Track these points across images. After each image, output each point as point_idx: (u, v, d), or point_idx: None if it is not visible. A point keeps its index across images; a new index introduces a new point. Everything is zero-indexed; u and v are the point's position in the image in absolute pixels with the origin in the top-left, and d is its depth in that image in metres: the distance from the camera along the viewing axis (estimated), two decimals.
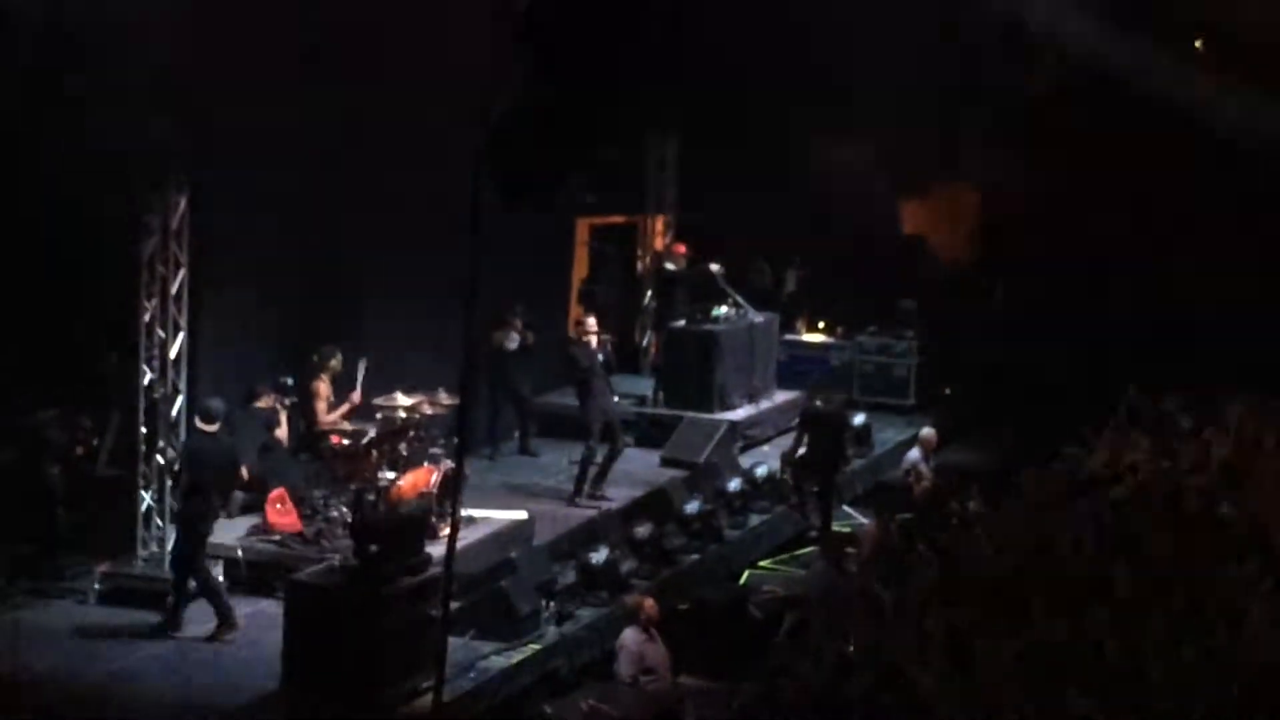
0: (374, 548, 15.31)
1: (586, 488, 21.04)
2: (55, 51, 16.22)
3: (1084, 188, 28.39)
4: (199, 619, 16.93)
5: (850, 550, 18.93)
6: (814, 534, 21.45)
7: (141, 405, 17.42)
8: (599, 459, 21.19)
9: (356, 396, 19.11)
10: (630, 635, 15.94)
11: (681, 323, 25.11)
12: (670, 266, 25.74)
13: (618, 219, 27.71)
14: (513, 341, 22.59)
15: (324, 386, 19.14)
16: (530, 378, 23.20)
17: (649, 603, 16.22)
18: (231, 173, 17.67)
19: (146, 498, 17.51)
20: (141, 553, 17.56)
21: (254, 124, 17.68)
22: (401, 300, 20.55)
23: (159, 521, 17.53)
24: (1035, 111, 28.48)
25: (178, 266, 17.35)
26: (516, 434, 23.26)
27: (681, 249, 25.67)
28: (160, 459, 17.46)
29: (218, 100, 17.19)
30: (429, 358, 19.46)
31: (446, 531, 16.80)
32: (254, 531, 18.06)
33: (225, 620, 16.48)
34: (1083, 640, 14.63)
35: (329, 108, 18.74)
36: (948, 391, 27.13)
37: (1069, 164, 28.69)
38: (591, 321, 21.89)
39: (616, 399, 22.34)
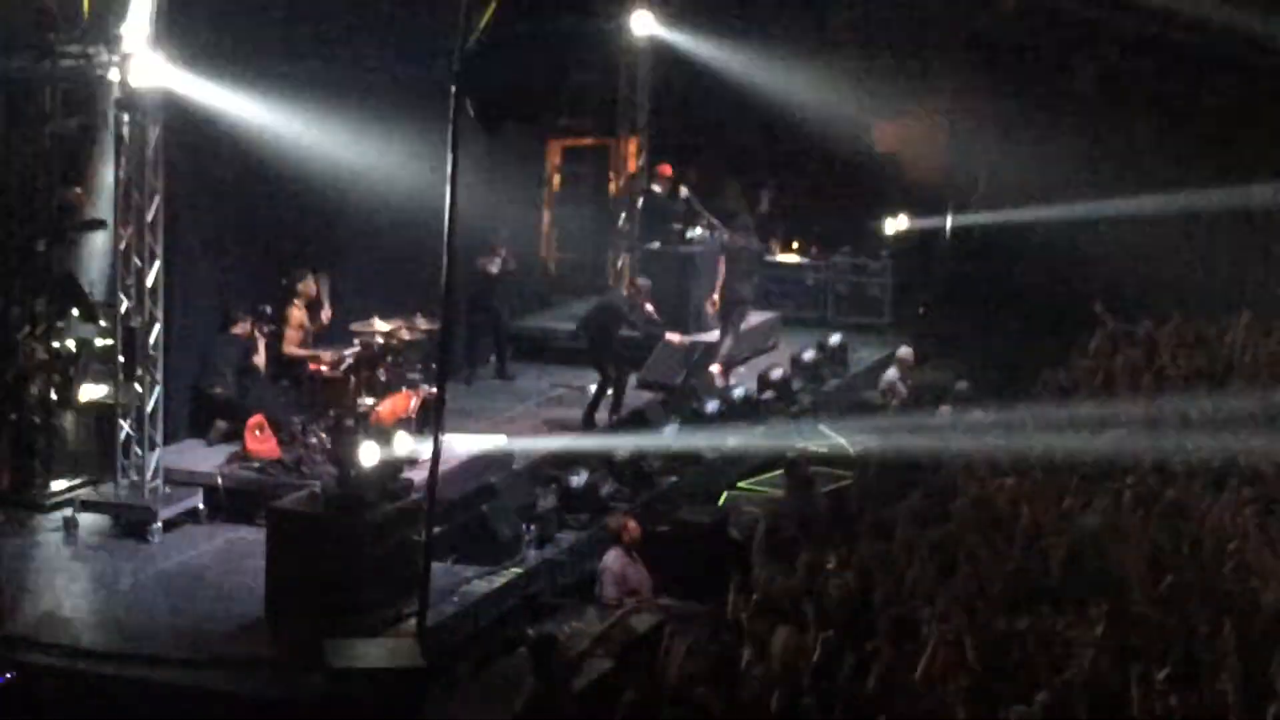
0: (354, 473, 15.32)
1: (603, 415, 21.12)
2: None
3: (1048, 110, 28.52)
4: (182, 546, 16.95)
5: (821, 470, 19.03)
6: (790, 454, 21.51)
7: (119, 333, 17.33)
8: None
9: (325, 315, 19.10)
10: (613, 557, 16.01)
11: (656, 244, 25.06)
12: (655, 188, 25.61)
13: (589, 141, 27.58)
14: (495, 265, 22.57)
15: (297, 312, 19.13)
16: (509, 302, 23.18)
17: (631, 524, 16.28)
18: (206, 99, 17.54)
19: (125, 426, 17.44)
20: (121, 481, 17.49)
21: (228, 50, 17.57)
22: (377, 225, 20.50)
23: (138, 450, 17.46)
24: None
25: (153, 195, 17.24)
26: (493, 358, 23.23)
27: (667, 170, 25.53)
28: (138, 387, 17.39)
29: (194, 28, 17.09)
30: (405, 283, 19.44)
31: (427, 457, 16.84)
32: (233, 459, 18.05)
33: None
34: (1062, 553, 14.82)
35: (304, 32, 18.62)
36: (922, 310, 27.14)
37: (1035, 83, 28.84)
38: (644, 283, 22.07)
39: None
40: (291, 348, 18.99)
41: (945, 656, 12.51)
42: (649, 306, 21.89)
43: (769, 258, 27.62)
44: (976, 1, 28.65)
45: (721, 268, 24.10)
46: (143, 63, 16.62)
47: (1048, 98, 29.11)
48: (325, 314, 19.20)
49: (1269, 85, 27.57)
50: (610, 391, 21.17)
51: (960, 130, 29.43)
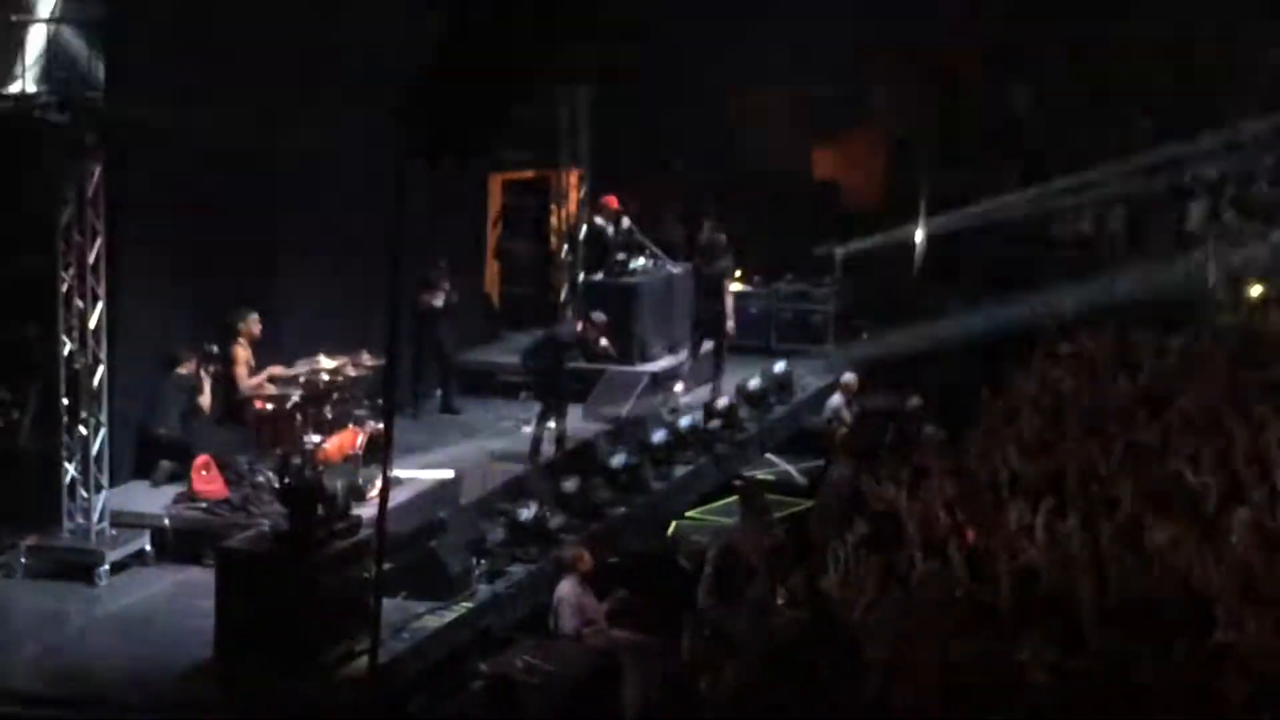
0: (302, 512, 15.26)
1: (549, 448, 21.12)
2: None
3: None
4: (129, 588, 16.86)
5: (771, 498, 19.07)
6: (737, 482, 21.53)
7: (62, 376, 17.22)
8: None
9: (277, 370, 19.02)
10: (569, 588, 15.99)
11: (599, 276, 25.09)
12: (599, 220, 25.61)
13: (529, 174, 27.59)
14: (439, 299, 22.55)
15: (242, 351, 19.05)
16: (454, 336, 23.16)
17: (585, 555, 16.28)
18: (146, 139, 17.49)
19: (70, 469, 17.33)
20: (67, 525, 17.38)
21: (168, 89, 17.51)
22: (319, 262, 20.45)
23: (83, 493, 17.36)
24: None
25: (95, 235, 17.14)
26: (439, 392, 23.19)
27: (612, 201, 25.53)
28: (83, 430, 17.29)
29: (136, 68, 17.04)
30: (349, 319, 19.42)
31: (374, 493, 16.82)
32: (180, 499, 17.95)
33: None
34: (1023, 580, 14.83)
35: (243, 72, 18.57)
36: (865, 335, 27.20)
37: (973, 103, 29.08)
38: (599, 318, 22.07)
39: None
40: (244, 385, 18.89)
41: (898, 685, 12.52)
42: (604, 341, 21.87)
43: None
44: (914, 25, 28.75)
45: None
46: (83, 103, 16.56)
47: (987, 118, 29.37)
48: (276, 369, 19.08)
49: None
50: (552, 423, 21.13)
51: (899, 152, 29.62)
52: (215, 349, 18.91)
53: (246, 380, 18.91)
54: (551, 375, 21.28)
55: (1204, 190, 26.49)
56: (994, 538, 15.72)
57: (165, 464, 18.48)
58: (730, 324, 24.03)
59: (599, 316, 22.12)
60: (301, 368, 18.70)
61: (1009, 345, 24.03)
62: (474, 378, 23.98)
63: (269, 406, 18.38)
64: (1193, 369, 21.10)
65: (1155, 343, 22.69)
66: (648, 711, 12.70)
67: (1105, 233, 26.95)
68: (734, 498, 20.83)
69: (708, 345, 24.53)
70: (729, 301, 24.27)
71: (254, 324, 19.16)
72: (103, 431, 17.42)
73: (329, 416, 18.52)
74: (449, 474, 19.13)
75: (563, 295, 26.63)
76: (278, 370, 18.93)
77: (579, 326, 21.89)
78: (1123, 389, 20.52)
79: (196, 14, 17.90)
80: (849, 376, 22.83)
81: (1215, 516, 15.63)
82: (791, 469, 22.00)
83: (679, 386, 23.75)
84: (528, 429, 21.41)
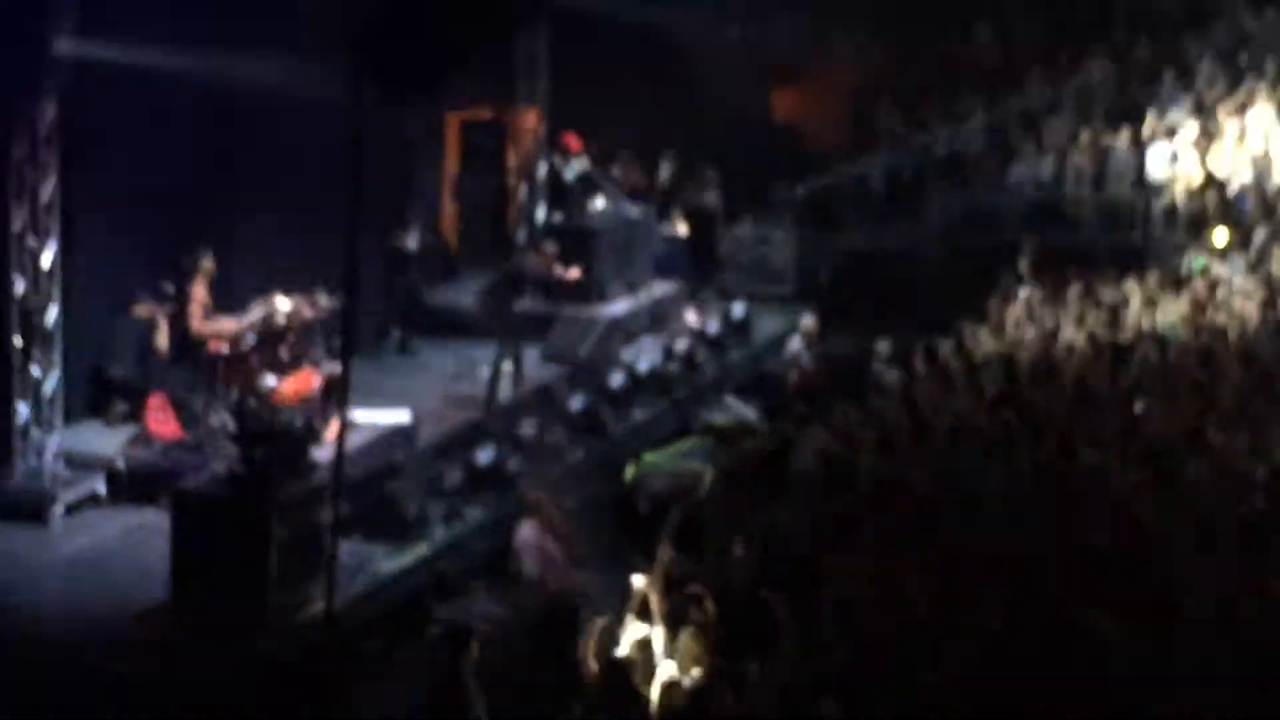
0: (259, 454, 15.16)
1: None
2: None
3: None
4: (84, 529, 16.73)
5: (746, 442, 19.01)
6: (697, 427, 21.50)
7: (15, 316, 17.06)
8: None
9: (229, 323, 18.84)
10: (529, 531, 15.90)
11: (558, 216, 24.95)
12: (557, 159, 25.45)
13: (487, 113, 27.40)
14: (412, 241, 22.43)
15: (199, 290, 18.86)
16: (424, 277, 23.05)
17: (544, 496, 16.21)
18: (100, 76, 17.29)
19: (23, 409, 17.18)
20: (20, 465, 17.24)
21: (123, 27, 17.30)
22: (277, 202, 20.26)
23: (36, 433, 17.22)
24: None
25: (47, 173, 16.96)
26: (397, 333, 23.03)
27: (573, 142, 25.36)
28: (36, 370, 17.14)
29: (90, 6, 16.83)
30: (307, 259, 19.23)
31: (331, 436, 16.70)
32: (135, 440, 17.84)
33: None
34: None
35: (201, 11, 18.36)
36: (825, 279, 27.08)
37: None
38: (552, 249, 22.20)
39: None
40: (198, 324, 18.71)
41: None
42: (564, 270, 21.80)
43: (670, 230, 27.57)
44: None
45: None
46: (38, 39, 16.37)
47: (948, 61, 29.24)
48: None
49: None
50: (509, 365, 21.03)
51: (860, 95, 29.48)
52: (172, 289, 18.72)
53: (200, 321, 18.74)
54: (507, 314, 21.17)
55: (1164, 136, 26.40)
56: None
57: (120, 404, 18.35)
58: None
59: (550, 247, 22.00)
60: (257, 309, 18.53)
61: (968, 287, 24.03)
62: (431, 319, 23.80)
63: (225, 348, 18.22)
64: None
65: (1115, 287, 22.66)
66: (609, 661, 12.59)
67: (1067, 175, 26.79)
68: (692, 441, 20.82)
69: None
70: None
71: (209, 264, 18.97)
72: (56, 372, 17.31)
73: (285, 358, 18.38)
74: (406, 417, 18.99)
75: (520, 235, 26.45)
76: (229, 324, 18.70)
77: (538, 259, 21.79)
78: (1082, 336, 20.50)
79: None
80: (808, 320, 22.74)
81: (1175, 465, 15.64)
82: (749, 412, 21.89)
83: (691, 315, 23.69)
84: (484, 371, 21.28)
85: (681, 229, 27.78)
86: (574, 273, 22.13)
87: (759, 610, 12.82)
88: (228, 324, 18.59)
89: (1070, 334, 20.64)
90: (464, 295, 24.07)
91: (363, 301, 21.70)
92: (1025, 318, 21.86)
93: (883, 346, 21.48)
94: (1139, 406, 17.43)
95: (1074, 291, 22.17)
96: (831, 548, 14.41)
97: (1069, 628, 12.04)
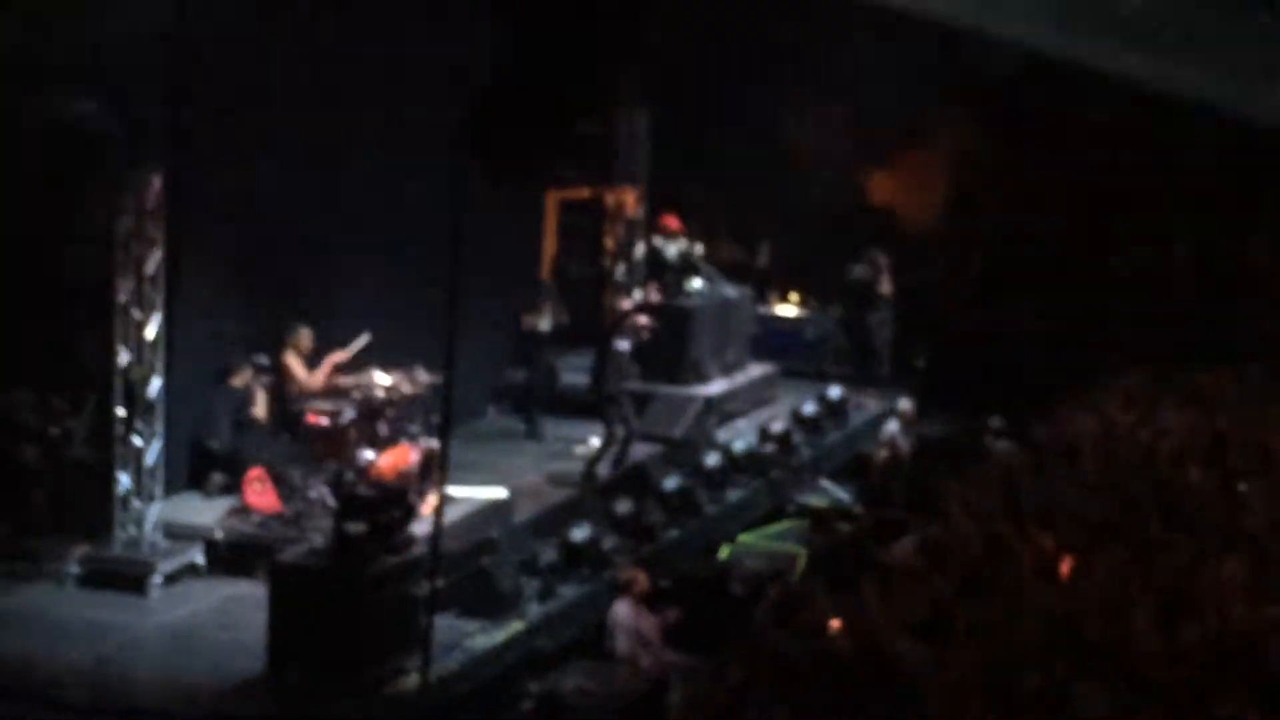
0: (356, 528, 15.22)
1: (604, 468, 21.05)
2: (34, 27, 16.05)
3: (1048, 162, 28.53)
4: (182, 600, 16.83)
5: (841, 525, 19.02)
6: (791, 509, 21.48)
7: (118, 387, 17.23)
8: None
9: (341, 355, 18.97)
10: (624, 609, 15.91)
11: (655, 297, 24.98)
12: (657, 240, 25.48)
13: (585, 193, 27.53)
14: (545, 322, 22.52)
15: (293, 359, 19.01)
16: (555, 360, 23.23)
17: (641, 576, 16.21)
18: (207, 151, 17.52)
19: (124, 479, 17.34)
20: (120, 535, 17.38)
21: (230, 103, 17.53)
22: (377, 277, 20.38)
23: (137, 504, 17.37)
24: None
25: (153, 246, 17.17)
26: (527, 416, 23.05)
27: (673, 222, 25.40)
28: (138, 440, 17.30)
29: (197, 80, 17.04)
30: (405, 335, 19.34)
31: (427, 510, 16.78)
32: (233, 512, 17.94)
33: None
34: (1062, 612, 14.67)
35: (306, 89, 18.58)
36: (921, 363, 27.03)
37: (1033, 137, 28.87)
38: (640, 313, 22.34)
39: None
40: (303, 382, 18.82)
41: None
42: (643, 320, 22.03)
43: (766, 310, 27.63)
44: (973, 50, 28.55)
45: None
46: (144, 115, 16.59)
47: (1044, 146, 29.15)
48: (341, 354, 19.07)
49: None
50: (617, 445, 21.07)
51: (958, 178, 29.45)
52: (267, 361, 18.87)
53: (305, 377, 18.85)
54: (619, 395, 21.19)
55: None
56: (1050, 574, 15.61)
57: (218, 476, 18.48)
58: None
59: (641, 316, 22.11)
60: (357, 382, 18.68)
61: (1064, 375, 23.90)
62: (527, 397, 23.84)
63: (323, 420, 18.33)
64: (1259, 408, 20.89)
65: (1219, 379, 22.48)
66: None
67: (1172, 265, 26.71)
68: (787, 523, 20.80)
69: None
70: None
71: (305, 339, 19.14)
72: (157, 442, 17.45)
73: (384, 433, 18.47)
74: (502, 493, 19.05)
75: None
76: (340, 356, 18.88)
77: (626, 325, 21.81)
78: (1182, 427, 20.34)
79: (259, 28, 17.87)
80: (905, 403, 22.70)
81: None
82: (844, 495, 21.87)
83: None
84: (581, 449, 21.35)
85: (784, 310, 27.87)
86: (644, 319, 22.06)
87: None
88: (338, 355, 18.75)
89: (1170, 419, 20.49)
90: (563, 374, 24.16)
91: (462, 378, 21.89)
92: (1126, 402, 21.71)
93: (995, 421, 21.50)
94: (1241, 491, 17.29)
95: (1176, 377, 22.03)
96: (926, 637, 14.36)
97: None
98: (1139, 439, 19.79)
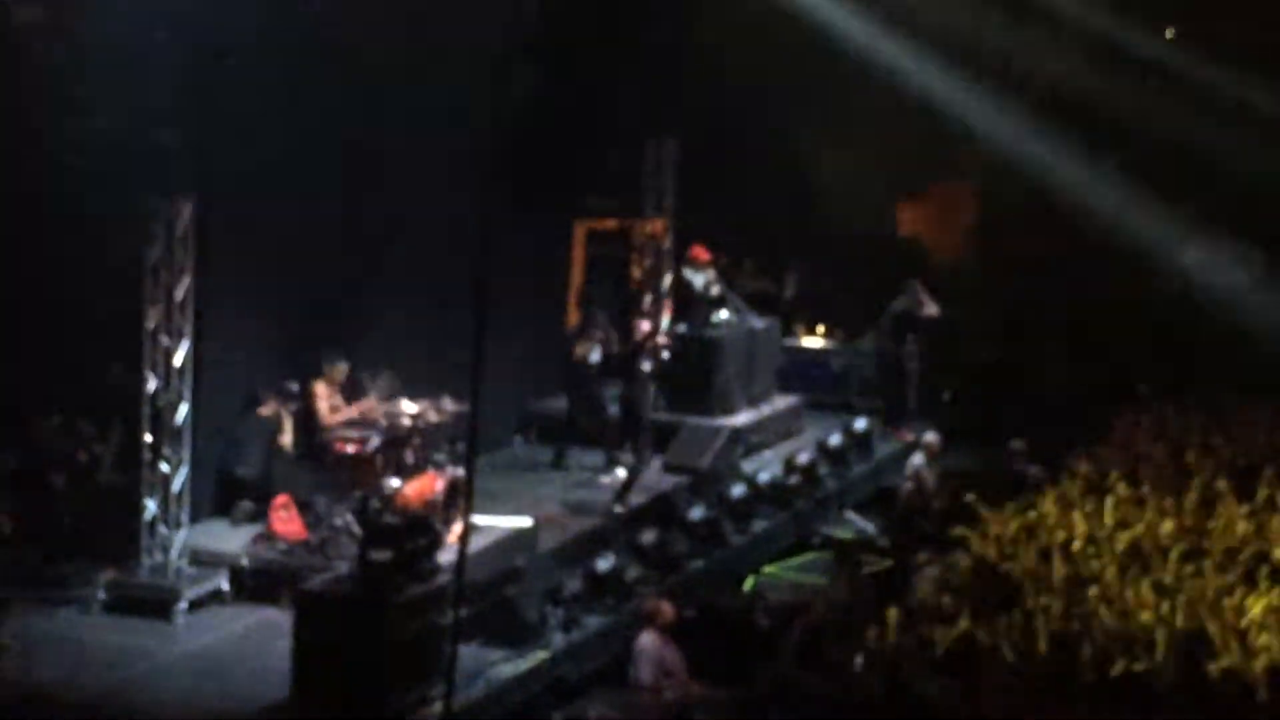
0: (381, 556, 15.25)
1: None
2: (63, 56, 16.15)
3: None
4: (207, 627, 16.87)
5: (866, 558, 19.04)
6: (816, 540, 21.49)
7: (146, 413, 17.30)
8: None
9: (367, 405, 19.02)
10: (648, 640, 15.93)
11: (683, 328, 25.02)
12: (686, 271, 25.47)
13: (612, 222, 27.58)
14: (595, 354, 22.53)
15: (322, 388, 19.05)
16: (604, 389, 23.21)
17: (666, 606, 16.22)
18: (236, 179, 17.59)
19: (151, 506, 17.39)
20: (146, 561, 17.43)
21: (259, 133, 17.59)
22: (404, 305, 20.43)
23: (163, 530, 17.41)
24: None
25: (182, 273, 17.25)
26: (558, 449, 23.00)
27: (703, 253, 25.38)
28: (165, 467, 17.35)
29: (225, 109, 17.11)
30: (432, 364, 19.38)
31: (452, 539, 16.82)
32: (259, 539, 17.99)
33: None
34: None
35: (334, 115, 18.64)
36: (947, 396, 27.01)
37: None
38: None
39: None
40: (325, 419, 18.88)
41: None
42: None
43: (793, 342, 27.64)
44: (1000, 81, 28.58)
45: None
46: (172, 142, 16.68)
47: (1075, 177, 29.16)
48: (366, 405, 19.10)
49: None
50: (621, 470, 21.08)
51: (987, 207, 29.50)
52: (296, 388, 18.93)
53: (328, 415, 18.92)
54: (639, 414, 21.18)
55: None
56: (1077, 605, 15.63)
57: (245, 503, 18.53)
58: None
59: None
60: (384, 410, 18.75)
61: (1093, 407, 23.95)
62: (552, 425, 23.84)
63: (349, 449, 18.39)
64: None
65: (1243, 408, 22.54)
66: None
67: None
68: (811, 554, 20.81)
69: None
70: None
71: (339, 372, 19.17)
72: (184, 469, 17.50)
73: (409, 461, 18.52)
74: (527, 522, 19.07)
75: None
76: (368, 406, 18.95)
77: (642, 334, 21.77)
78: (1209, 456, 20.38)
79: (288, 53, 17.95)
80: (931, 436, 22.68)
81: None
82: (869, 527, 21.86)
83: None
84: (606, 479, 21.38)
85: (811, 341, 27.89)
86: (646, 325, 22.03)
87: None
88: (351, 412, 18.81)
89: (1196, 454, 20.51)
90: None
91: (488, 407, 21.90)
92: (1153, 435, 21.73)
93: (1018, 444, 21.56)
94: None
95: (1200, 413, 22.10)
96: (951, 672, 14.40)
97: None
98: (1165, 472, 19.84)
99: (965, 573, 17.20)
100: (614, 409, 22.77)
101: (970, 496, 18.78)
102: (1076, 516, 18.16)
